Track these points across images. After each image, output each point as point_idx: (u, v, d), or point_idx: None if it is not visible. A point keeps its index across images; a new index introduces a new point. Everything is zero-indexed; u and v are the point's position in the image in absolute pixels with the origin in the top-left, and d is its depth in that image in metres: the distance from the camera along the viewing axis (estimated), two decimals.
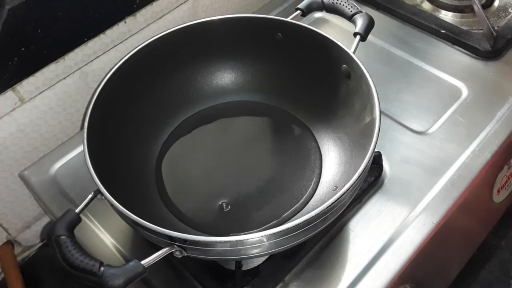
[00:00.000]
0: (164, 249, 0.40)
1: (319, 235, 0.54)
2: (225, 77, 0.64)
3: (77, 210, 0.42)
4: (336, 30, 0.77)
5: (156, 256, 0.39)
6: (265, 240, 0.40)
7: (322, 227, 0.44)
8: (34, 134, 0.64)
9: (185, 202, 0.55)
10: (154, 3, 0.67)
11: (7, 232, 0.70)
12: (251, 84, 0.64)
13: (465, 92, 0.67)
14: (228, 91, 0.64)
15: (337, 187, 0.53)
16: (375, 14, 0.77)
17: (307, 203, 0.54)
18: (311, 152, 0.58)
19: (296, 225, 0.40)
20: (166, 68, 0.60)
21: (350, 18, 0.57)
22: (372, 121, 0.47)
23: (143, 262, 0.38)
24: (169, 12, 0.70)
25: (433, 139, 0.62)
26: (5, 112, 0.59)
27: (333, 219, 0.45)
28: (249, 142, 0.60)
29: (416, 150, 0.61)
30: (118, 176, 0.50)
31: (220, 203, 0.54)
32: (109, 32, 0.64)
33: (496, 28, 0.71)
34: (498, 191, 0.66)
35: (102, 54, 0.66)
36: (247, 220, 0.53)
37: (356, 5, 0.57)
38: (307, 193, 0.54)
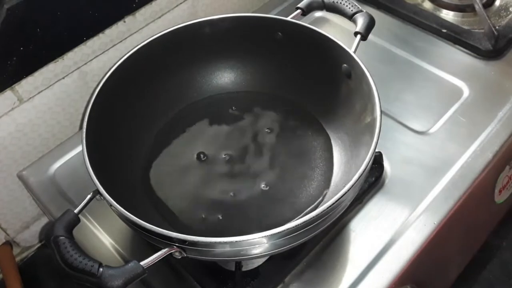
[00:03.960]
0: (164, 250, 0.40)
1: (320, 236, 0.53)
2: (225, 77, 0.63)
3: (76, 211, 0.42)
4: (337, 30, 0.76)
5: (156, 257, 0.39)
6: (265, 240, 0.40)
7: (322, 227, 0.44)
8: (33, 134, 0.64)
9: (186, 202, 0.55)
10: (154, 3, 0.67)
11: (5, 232, 0.69)
12: (251, 84, 0.63)
13: (466, 91, 0.67)
14: (228, 91, 0.63)
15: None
16: (376, 14, 0.77)
17: (307, 203, 0.54)
18: (311, 152, 0.58)
19: (296, 225, 0.39)
20: (165, 68, 0.59)
21: (351, 18, 0.57)
22: (373, 121, 0.47)
23: (142, 263, 0.38)
24: (168, 11, 0.70)
25: (434, 139, 0.62)
26: (3, 112, 0.59)
27: (333, 219, 0.45)
28: (249, 142, 0.60)
29: (417, 150, 0.61)
30: (117, 176, 0.50)
31: (220, 202, 0.54)
32: (108, 31, 0.64)
33: (497, 27, 0.71)
34: (500, 191, 0.65)
35: (101, 54, 0.65)
36: (247, 220, 0.53)
37: (356, 4, 0.57)
38: (308, 193, 0.54)
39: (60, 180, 0.62)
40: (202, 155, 0.58)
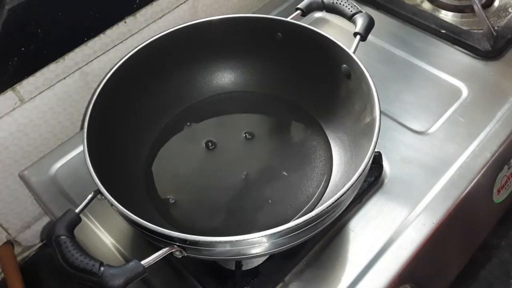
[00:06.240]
0: (164, 249, 0.40)
1: (319, 235, 0.54)
2: (225, 77, 0.64)
3: (77, 210, 0.42)
4: (336, 30, 0.76)
5: (156, 256, 0.39)
6: (265, 240, 0.40)
7: (322, 227, 0.44)
8: (34, 134, 0.64)
9: (186, 201, 0.55)
10: (154, 3, 0.67)
11: (7, 232, 0.70)
12: (251, 84, 0.64)
13: (465, 92, 0.67)
14: (228, 91, 0.64)
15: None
16: (375, 14, 0.77)
17: (307, 203, 0.54)
18: (311, 152, 0.58)
19: (296, 225, 0.39)
20: (166, 68, 0.60)
21: (350, 18, 0.57)
22: (372, 121, 0.47)
23: (143, 262, 0.38)
24: (169, 12, 0.70)
25: (433, 139, 0.62)
26: (5, 112, 0.59)
27: (333, 219, 0.45)
28: (249, 141, 0.60)
29: (416, 150, 0.61)
30: (118, 176, 0.50)
31: (220, 202, 0.54)
32: (109, 32, 0.64)
33: (496, 28, 0.71)
34: (498, 191, 0.65)
35: (102, 54, 0.66)
36: (247, 220, 0.53)
37: (356, 5, 0.57)
38: (307, 193, 0.54)
39: (61, 180, 0.62)
40: (202, 155, 0.59)
